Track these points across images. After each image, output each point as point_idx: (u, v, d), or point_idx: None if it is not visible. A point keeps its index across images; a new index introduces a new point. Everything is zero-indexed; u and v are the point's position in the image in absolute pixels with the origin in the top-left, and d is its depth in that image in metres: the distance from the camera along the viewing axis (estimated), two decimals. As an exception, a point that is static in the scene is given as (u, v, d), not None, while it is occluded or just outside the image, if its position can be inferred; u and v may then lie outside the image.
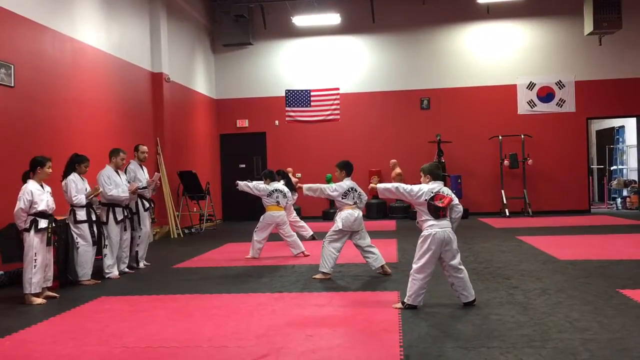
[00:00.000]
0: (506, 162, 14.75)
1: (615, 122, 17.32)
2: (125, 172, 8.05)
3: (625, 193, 16.05)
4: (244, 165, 16.23)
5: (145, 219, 8.08)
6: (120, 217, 7.49)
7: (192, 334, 4.59)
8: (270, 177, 8.95)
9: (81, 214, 6.93)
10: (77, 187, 6.91)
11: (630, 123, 16.26)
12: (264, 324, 4.82)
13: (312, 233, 10.59)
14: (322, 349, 4.11)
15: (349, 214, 6.80)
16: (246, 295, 6.07)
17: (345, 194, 6.85)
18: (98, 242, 7.14)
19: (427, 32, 15.59)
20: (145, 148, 8.45)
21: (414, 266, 5.16)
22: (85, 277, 6.93)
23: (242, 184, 8.76)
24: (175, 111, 12.97)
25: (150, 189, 8.24)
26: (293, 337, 4.41)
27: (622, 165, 17.16)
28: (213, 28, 15.92)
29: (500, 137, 14.90)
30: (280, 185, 9.01)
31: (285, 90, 15.93)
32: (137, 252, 8.01)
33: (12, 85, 7.65)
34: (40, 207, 5.95)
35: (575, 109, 15.15)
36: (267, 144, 16.11)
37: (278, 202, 8.72)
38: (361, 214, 6.93)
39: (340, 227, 6.77)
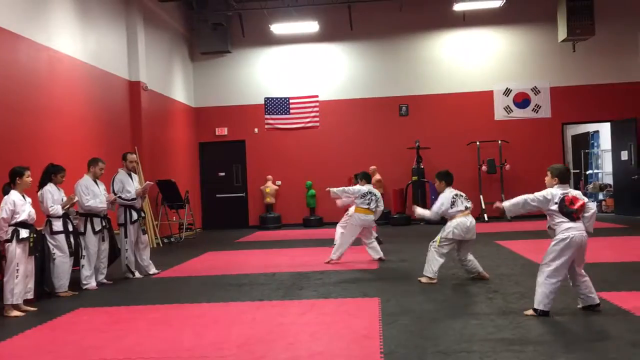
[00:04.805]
0: (484, 168, 14.90)
1: (590, 127, 17.61)
2: (113, 183, 7.98)
3: (600, 197, 16.31)
4: (223, 174, 16.16)
5: (138, 229, 8.06)
6: (98, 227, 7.40)
7: (172, 345, 4.55)
8: (366, 179, 8.73)
9: (57, 225, 6.84)
10: (54, 197, 6.82)
11: (604, 128, 16.53)
12: (245, 333, 4.80)
13: (376, 235, 9.67)
14: (303, 356, 4.11)
15: (460, 222, 6.70)
16: (226, 304, 6.03)
17: (453, 202, 6.77)
18: (75, 253, 7.05)
19: (405, 39, 15.72)
20: (134, 157, 8.34)
21: (546, 269, 4.92)
22: (62, 289, 6.83)
23: (336, 190, 8.60)
24: (154, 120, 12.88)
25: (140, 199, 8.19)
26: (274, 346, 4.40)
27: (598, 169, 17.45)
28: (191, 36, 15.86)
29: (478, 143, 15.05)
30: (372, 188, 8.72)
31: (265, 97, 15.93)
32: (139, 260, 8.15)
33: (-14, 94, 7.54)
34: (22, 217, 5.98)
35: (550, 114, 15.38)
36: (247, 151, 16.06)
37: (369, 206, 8.49)
38: (474, 221, 6.84)
39: (452, 236, 6.68)
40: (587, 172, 17.68)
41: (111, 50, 11.36)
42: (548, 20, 14.72)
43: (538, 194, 5.05)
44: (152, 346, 4.53)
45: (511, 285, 6.37)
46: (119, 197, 7.89)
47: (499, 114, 15.50)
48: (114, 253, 7.90)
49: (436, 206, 6.86)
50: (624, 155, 14.72)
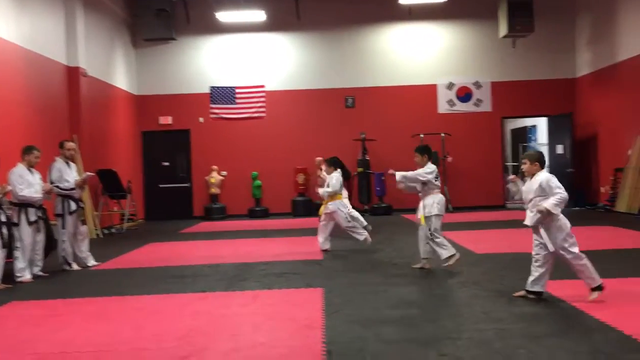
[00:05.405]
0: (427, 160, 15.17)
1: (528, 122, 18.21)
2: (51, 171, 7.69)
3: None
4: (167, 163, 15.85)
5: (76, 220, 7.82)
6: (33, 218, 7.13)
7: (110, 338, 4.44)
8: (335, 166, 8.77)
9: (-11, 215, 6.55)
10: (-15, 186, 6.52)
11: (541, 122, 17.13)
12: (186, 324, 4.73)
13: (365, 223, 10.34)
14: (246, 347, 4.09)
15: (440, 198, 6.93)
16: (168, 295, 5.93)
17: (437, 176, 6.96)
18: (9, 245, 6.77)
19: (352, 31, 15.78)
20: (71, 144, 8.08)
21: (579, 250, 5.05)
22: (-6, 282, 6.56)
23: (322, 192, 8.66)
24: (93, 107, 12.48)
25: (80, 189, 7.94)
26: (216, 337, 4.36)
27: (535, 162, 18.03)
28: (134, 22, 15.42)
29: (421, 135, 15.28)
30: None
31: (210, 86, 15.69)
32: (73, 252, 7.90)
33: None
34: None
35: (491, 108, 15.80)
36: (192, 141, 15.80)
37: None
38: None
39: (437, 212, 6.82)
40: (525, 165, 18.26)
41: (48, 33, 10.92)
42: (490, 16, 15.07)
43: (553, 183, 5.05)
44: (89, 339, 4.41)
45: (451, 275, 6.52)
46: (57, 186, 7.63)
47: (442, 107, 15.81)
48: (51, 245, 7.63)
49: (424, 171, 6.95)
50: (560, 149, 15.31)
